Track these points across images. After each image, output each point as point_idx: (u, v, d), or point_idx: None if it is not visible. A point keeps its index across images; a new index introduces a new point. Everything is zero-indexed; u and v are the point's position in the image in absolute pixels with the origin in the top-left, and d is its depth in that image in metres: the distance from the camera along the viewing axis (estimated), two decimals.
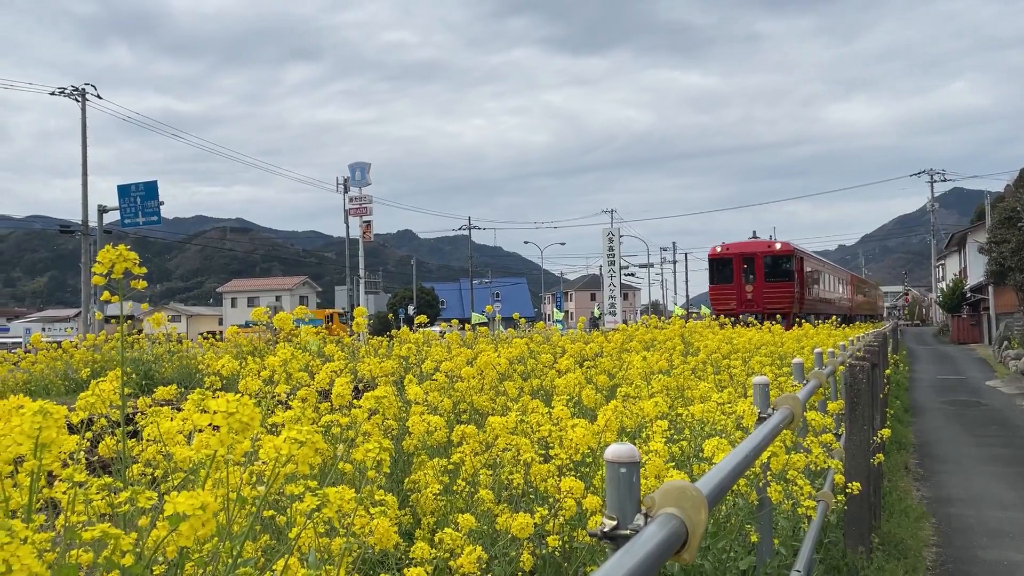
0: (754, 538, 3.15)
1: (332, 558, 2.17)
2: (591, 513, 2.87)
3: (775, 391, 4.45)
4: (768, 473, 3.08)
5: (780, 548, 3.47)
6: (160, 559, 1.75)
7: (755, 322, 18.32)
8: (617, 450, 1.58)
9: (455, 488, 3.19)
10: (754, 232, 40.89)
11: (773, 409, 3.17)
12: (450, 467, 3.36)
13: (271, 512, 2.37)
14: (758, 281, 34.11)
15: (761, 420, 3.09)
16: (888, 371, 12.55)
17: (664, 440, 3.18)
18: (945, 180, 71.05)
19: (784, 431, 3.02)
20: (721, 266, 35.61)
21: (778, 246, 35.02)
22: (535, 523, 2.66)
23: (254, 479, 1.69)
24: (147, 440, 2.47)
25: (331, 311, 51.80)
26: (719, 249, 35.92)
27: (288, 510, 2.51)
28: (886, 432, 6.02)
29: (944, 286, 58.88)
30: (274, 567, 2.05)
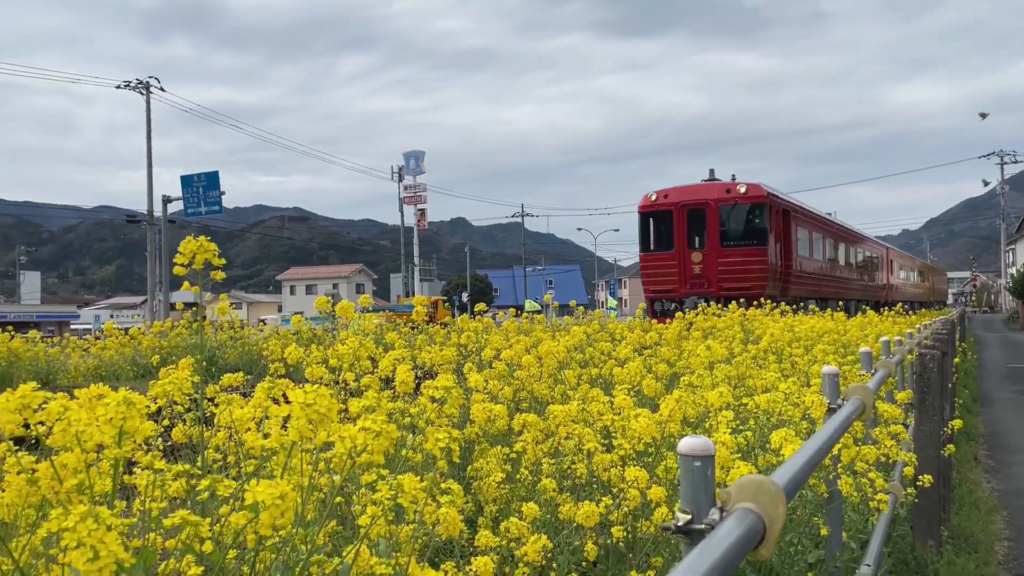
0: (824, 531, 3.08)
1: (399, 545, 2.19)
2: (655, 504, 2.85)
3: (841, 380, 4.34)
4: (839, 465, 3.00)
5: (849, 542, 3.39)
6: (229, 542, 1.78)
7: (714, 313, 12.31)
8: (691, 443, 1.55)
9: (518, 476, 3.19)
10: (711, 172, 24.43)
11: (843, 400, 3.10)
12: (512, 455, 3.36)
13: (339, 499, 2.39)
14: (711, 246, 21.84)
15: (831, 411, 3.01)
16: (956, 359, 12.19)
17: (729, 431, 3.12)
18: (1016, 162, 68.47)
19: (855, 422, 2.95)
20: (657, 224, 23.02)
21: (742, 189, 21.84)
22: (600, 513, 2.64)
23: (321, 466, 1.71)
24: (217, 426, 2.52)
25: (435, 298, 56.14)
26: (653, 197, 22.97)
27: (354, 497, 2.54)
28: (957, 423, 5.84)
29: (1015, 271, 56.79)
30: (344, 554, 2.07)
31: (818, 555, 3.23)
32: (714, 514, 1.55)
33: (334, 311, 3.94)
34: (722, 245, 21.78)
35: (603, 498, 2.78)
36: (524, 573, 2.53)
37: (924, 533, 5.49)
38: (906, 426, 5.58)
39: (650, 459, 3.33)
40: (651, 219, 23.20)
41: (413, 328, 8.17)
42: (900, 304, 24.66)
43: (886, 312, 18.81)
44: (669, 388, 4.41)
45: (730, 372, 4.44)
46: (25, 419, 1.37)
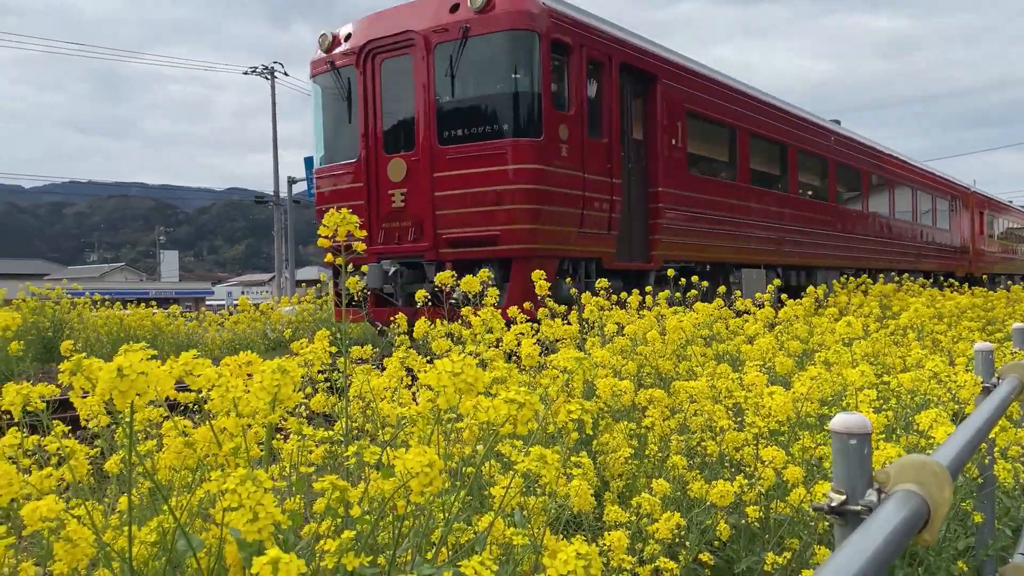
0: (978, 518, 2.89)
1: (530, 517, 2.19)
2: (792, 485, 2.75)
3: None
4: (995, 449, 2.81)
5: (1004, 529, 3.18)
6: (363, 507, 1.83)
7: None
8: (847, 420, 1.47)
9: (647, 452, 3.14)
10: None
11: (999, 378, 2.89)
12: (639, 431, 3.31)
13: (471, 469, 2.42)
14: (424, 144, 9.78)
15: (985, 391, 2.82)
16: None
17: (871, 411, 2.97)
18: None
19: (1013, 403, 2.74)
20: (338, 102, 10.85)
21: (477, 2, 9.22)
22: (734, 492, 2.57)
23: (466, 434, 1.72)
24: (353, 396, 2.59)
25: None
26: (328, 41, 10.80)
27: (484, 468, 2.57)
28: None
29: None
30: (474, 523, 2.09)
31: (968, 542, 3.05)
32: (870, 495, 1.47)
33: (458, 285, 3.97)
34: (443, 140, 9.72)
35: (737, 477, 2.70)
36: (655, 550, 2.50)
37: None
38: None
39: (783, 438, 3.22)
40: (326, 91, 11.03)
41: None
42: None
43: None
44: (799, 367, 4.26)
45: (867, 349, 4.23)
46: (182, 384, 1.43)
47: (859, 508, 1.45)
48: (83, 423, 2.54)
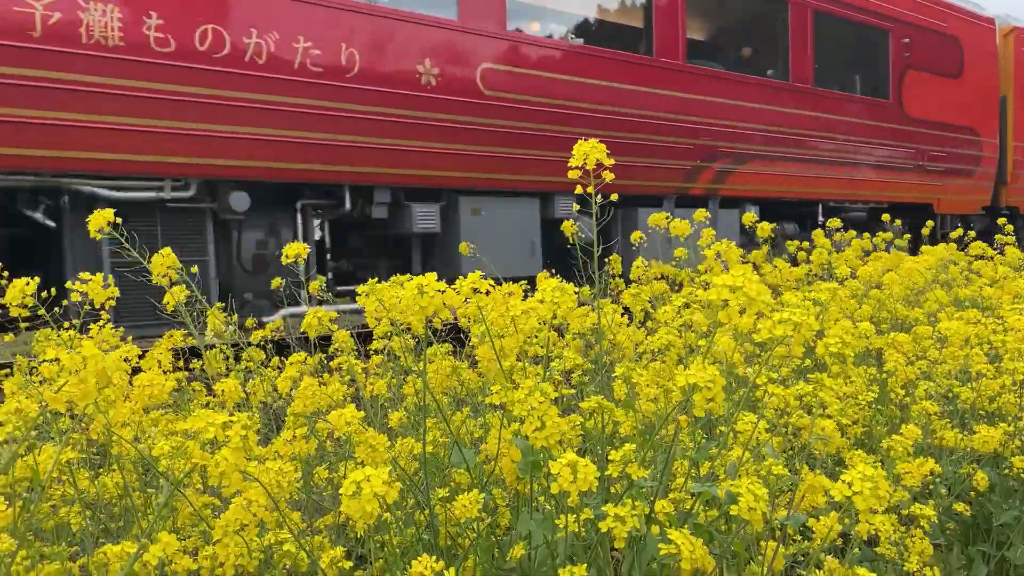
0: None
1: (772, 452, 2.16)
2: None
3: None
4: None
5: None
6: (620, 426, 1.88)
7: None
8: None
9: (892, 397, 2.99)
10: None
11: None
12: (879, 376, 3.16)
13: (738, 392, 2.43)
14: None
15: None
16: None
17: None
18: None
19: None
20: None
21: None
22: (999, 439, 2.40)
23: (741, 352, 1.72)
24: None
25: None
26: None
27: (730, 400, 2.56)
28: None
29: None
30: (722, 455, 2.10)
31: None
32: None
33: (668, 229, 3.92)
34: None
35: (1001, 424, 2.52)
36: (903, 497, 2.39)
37: None
38: None
39: None
40: None
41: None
42: None
43: None
44: None
45: None
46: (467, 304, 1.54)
47: None
48: (343, 351, 2.79)
